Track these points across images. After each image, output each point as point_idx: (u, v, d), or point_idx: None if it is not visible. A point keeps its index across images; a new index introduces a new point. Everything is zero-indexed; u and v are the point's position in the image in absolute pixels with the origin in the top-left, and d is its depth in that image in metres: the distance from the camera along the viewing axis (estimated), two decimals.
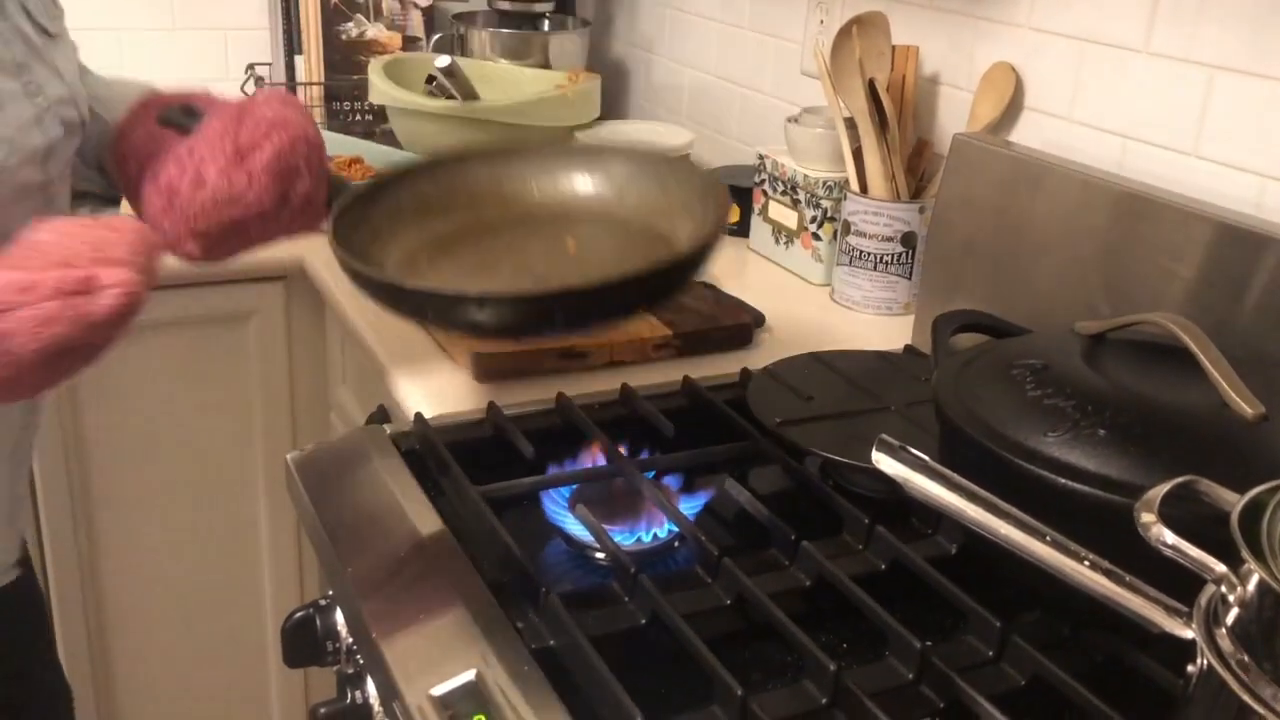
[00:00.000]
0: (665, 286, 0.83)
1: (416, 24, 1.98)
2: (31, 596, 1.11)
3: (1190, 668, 0.56)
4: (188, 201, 0.84)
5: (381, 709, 0.84)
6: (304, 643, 0.91)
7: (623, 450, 0.95)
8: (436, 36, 1.95)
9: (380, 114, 1.83)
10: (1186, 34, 1.07)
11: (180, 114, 0.90)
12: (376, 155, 1.63)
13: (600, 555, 0.85)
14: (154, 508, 1.57)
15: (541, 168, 0.96)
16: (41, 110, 0.85)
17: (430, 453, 0.94)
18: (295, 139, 0.86)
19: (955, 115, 1.35)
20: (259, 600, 1.67)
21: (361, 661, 0.85)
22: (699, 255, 0.81)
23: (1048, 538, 0.62)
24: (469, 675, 0.69)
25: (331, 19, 1.91)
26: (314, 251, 1.43)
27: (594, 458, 0.96)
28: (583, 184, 0.95)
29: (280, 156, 0.85)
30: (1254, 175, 1.03)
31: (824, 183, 1.40)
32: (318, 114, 1.91)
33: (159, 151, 0.90)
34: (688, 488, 0.95)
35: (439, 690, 0.69)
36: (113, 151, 0.95)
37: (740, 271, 1.48)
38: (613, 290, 0.77)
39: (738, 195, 1.59)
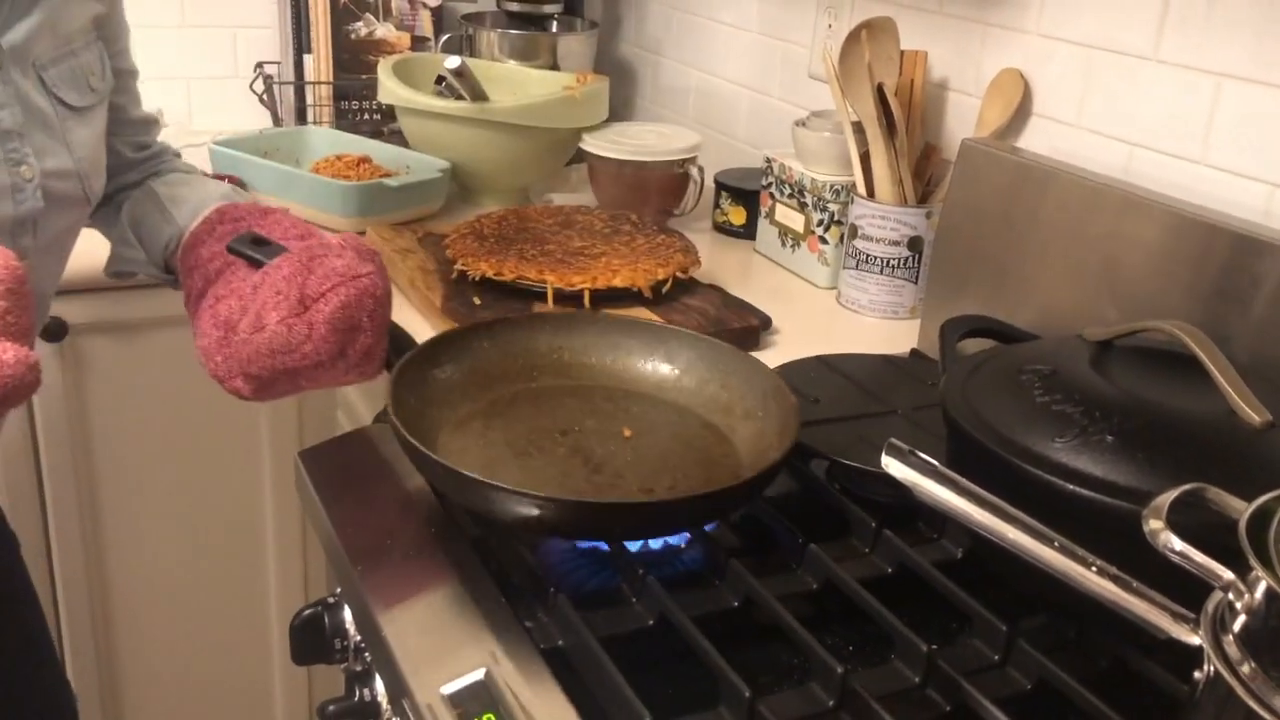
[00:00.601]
0: (722, 508, 0.84)
1: (425, 24, 1.98)
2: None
3: (1197, 674, 0.56)
4: (243, 342, 0.83)
5: (390, 707, 0.84)
6: (312, 640, 0.91)
7: None
8: (445, 37, 1.95)
9: (389, 113, 1.83)
10: (1195, 42, 1.07)
11: (250, 244, 0.89)
12: (385, 154, 1.64)
13: (608, 556, 0.85)
14: (160, 505, 1.57)
15: (603, 340, 0.98)
16: (21, 180, 0.82)
17: None
18: (362, 294, 0.83)
19: (963, 120, 1.35)
20: (264, 598, 1.68)
21: (370, 659, 0.86)
22: (759, 481, 0.81)
23: (1055, 543, 0.62)
24: (478, 674, 0.70)
25: (341, 18, 1.92)
26: None
27: None
28: (644, 363, 0.97)
29: (344, 309, 0.82)
30: (1262, 183, 1.03)
31: (831, 186, 1.40)
32: (326, 113, 1.92)
33: (225, 271, 0.89)
34: None
35: (448, 688, 0.69)
36: (182, 260, 0.95)
37: (746, 274, 1.49)
38: (669, 509, 0.80)
39: (744, 198, 1.59)
